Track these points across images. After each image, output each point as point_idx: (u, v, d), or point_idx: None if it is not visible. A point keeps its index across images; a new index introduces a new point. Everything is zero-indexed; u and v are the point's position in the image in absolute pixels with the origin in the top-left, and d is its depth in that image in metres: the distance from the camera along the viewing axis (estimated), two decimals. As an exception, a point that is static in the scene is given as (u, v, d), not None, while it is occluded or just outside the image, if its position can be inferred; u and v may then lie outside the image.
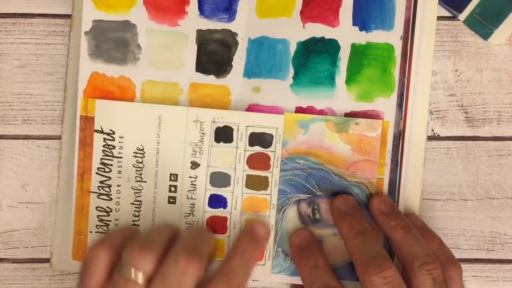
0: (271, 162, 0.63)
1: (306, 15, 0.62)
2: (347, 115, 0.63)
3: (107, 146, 0.62)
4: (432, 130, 0.65)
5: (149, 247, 0.54)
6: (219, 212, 0.63)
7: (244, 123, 0.62)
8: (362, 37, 0.63)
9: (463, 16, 0.64)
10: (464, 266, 0.64)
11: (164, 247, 0.55)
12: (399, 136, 0.63)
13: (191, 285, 0.53)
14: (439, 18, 0.63)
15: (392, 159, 0.63)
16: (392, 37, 0.63)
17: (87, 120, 0.62)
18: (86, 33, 0.62)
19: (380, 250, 0.58)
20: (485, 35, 0.64)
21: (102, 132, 0.62)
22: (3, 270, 0.65)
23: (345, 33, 0.62)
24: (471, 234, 0.65)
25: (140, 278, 0.52)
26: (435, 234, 0.62)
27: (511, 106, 0.65)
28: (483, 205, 0.65)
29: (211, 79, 0.63)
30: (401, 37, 0.63)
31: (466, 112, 0.65)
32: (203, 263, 0.54)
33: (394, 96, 0.63)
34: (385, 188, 0.63)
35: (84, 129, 0.62)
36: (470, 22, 0.64)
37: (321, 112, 0.62)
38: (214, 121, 0.62)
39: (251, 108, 0.63)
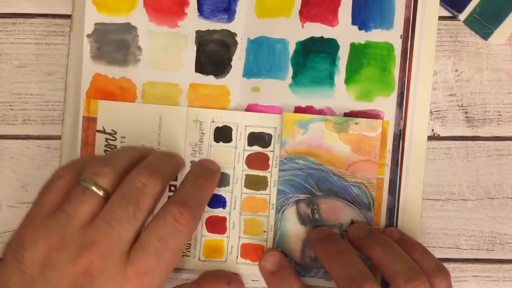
0: (269, 162, 0.63)
1: (305, 14, 0.62)
2: (346, 114, 0.63)
3: (108, 146, 0.62)
4: (432, 130, 0.65)
5: (110, 164, 0.53)
6: (218, 212, 0.63)
7: (243, 123, 0.62)
8: (362, 36, 0.63)
9: (463, 16, 0.64)
10: (464, 266, 0.65)
11: (127, 166, 0.54)
12: (399, 136, 0.63)
13: (149, 204, 0.52)
14: (439, 18, 0.63)
15: (392, 159, 0.63)
16: (392, 36, 0.63)
17: (90, 121, 0.62)
18: (88, 35, 0.63)
19: (360, 267, 0.56)
20: (485, 35, 0.64)
21: (104, 132, 0.62)
22: (3, 270, 0.65)
23: (344, 32, 0.62)
24: (471, 234, 0.65)
25: (98, 192, 0.51)
26: (416, 242, 0.61)
27: (511, 106, 0.65)
28: (483, 205, 0.65)
29: (210, 79, 0.63)
30: (401, 36, 0.63)
31: (466, 112, 0.65)
32: (163, 184, 0.53)
33: (394, 96, 0.63)
34: (385, 188, 0.63)
35: (86, 130, 0.63)
36: (470, 22, 0.64)
37: (320, 112, 0.63)
38: (213, 121, 0.62)
39: (251, 108, 0.63)
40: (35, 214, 0.52)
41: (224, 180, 0.63)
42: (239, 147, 0.63)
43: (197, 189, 0.57)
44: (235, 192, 0.63)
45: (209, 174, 0.60)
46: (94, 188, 0.51)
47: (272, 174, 0.63)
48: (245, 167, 0.63)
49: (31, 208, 0.53)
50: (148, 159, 0.55)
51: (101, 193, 0.51)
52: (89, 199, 0.51)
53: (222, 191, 0.63)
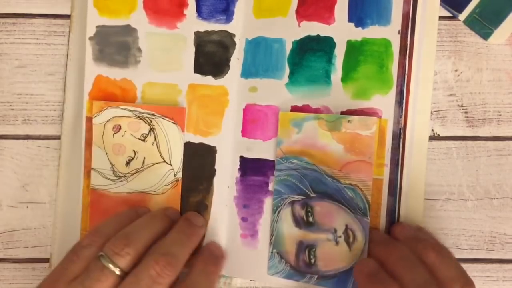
0: None
1: (302, 13, 0.62)
2: (343, 113, 0.62)
3: (109, 146, 0.63)
4: (432, 130, 0.65)
5: (131, 243, 0.55)
6: None
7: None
8: (358, 34, 0.62)
9: (463, 16, 0.64)
10: (464, 266, 0.64)
11: (147, 244, 0.57)
12: (399, 135, 0.62)
13: None
14: (439, 18, 0.63)
15: (392, 159, 0.62)
16: (389, 32, 0.62)
17: (92, 121, 0.63)
18: (90, 38, 0.63)
19: (427, 276, 0.55)
20: (485, 35, 0.64)
21: (105, 132, 0.63)
22: (3, 270, 0.65)
23: (341, 30, 0.62)
24: (471, 234, 0.65)
25: (115, 272, 0.53)
26: (433, 244, 0.59)
27: (511, 106, 0.65)
28: (483, 205, 0.65)
29: (209, 79, 0.63)
30: (399, 31, 0.61)
31: (466, 112, 0.64)
32: (178, 271, 0.56)
33: (392, 93, 0.62)
34: (385, 189, 0.62)
35: (89, 130, 0.63)
36: (470, 22, 0.64)
37: (316, 111, 0.62)
38: None
39: (249, 107, 0.63)
40: (58, 276, 0.54)
41: None
42: None
43: (205, 276, 0.60)
44: None
45: (216, 260, 0.63)
46: (111, 267, 0.53)
47: None
48: None
49: (56, 268, 0.55)
50: (167, 240, 0.58)
51: (118, 272, 0.54)
52: (106, 278, 0.53)
53: None
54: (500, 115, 0.65)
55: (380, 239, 0.61)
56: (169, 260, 0.55)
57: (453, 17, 0.64)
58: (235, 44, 0.63)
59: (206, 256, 0.62)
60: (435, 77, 0.64)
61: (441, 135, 0.65)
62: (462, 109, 0.64)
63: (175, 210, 0.63)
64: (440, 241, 0.60)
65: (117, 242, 0.55)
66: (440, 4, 0.63)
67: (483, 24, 0.64)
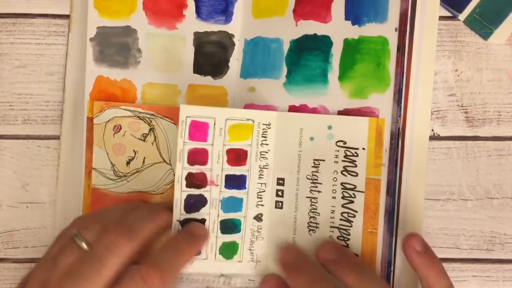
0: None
1: (299, 12, 0.62)
2: (340, 112, 0.61)
3: (109, 146, 0.63)
4: (432, 130, 0.65)
5: (100, 220, 0.56)
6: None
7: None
8: (355, 32, 0.61)
9: (463, 16, 0.64)
10: (464, 266, 0.65)
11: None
12: (397, 135, 0.61)
13: (115, 261, 0.53)
14: (439, 18, 0.63)
15: (390, 159, 0.61)
16: (386, 29, 0.61)
17: (93, 122, 0.63)
18: (91, 39, 0.63)
19: None
20: (485, 35, 0.64)
21: (106, 133, 0.63)
22: (3, 270, 0.65)
23: (338, 28, 0.62)
24: (471, 234, 0.65)
25: (81, 244, 0.54)
26: (352, 264, 0.58)
27: (511, 106, 0.65)
28: (483, 205, 0.65)
29: (208, 80, 0.63)
30: (396, 28, 0.61)
31: (466, 112, 0.64)
32: (134, 244, 0.55)
33: (390, 92, 0.61)
34: (383, 189, 0.61)
35: (90, 130, 0.63)
36: (470, 22, 0.64)
37: (314, 111, 0.62)
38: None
39: (247, 108, 0.63)
40: (46, 254, 0.56)
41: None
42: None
43: (174, 252, 0.57)
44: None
45: (192, 239, 0.60)
46: (77, 240, 0.54)
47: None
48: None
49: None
50: (130, 217, 0.57)
51: (84, 246, 0.54)
52: (72, 250, 0.54)
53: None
54: (500, 115, 0.65)
55: (292, 260, 0.60)
56: (125, 229, 0.54)
57: (453, 17, 0.64)
58: (234, 44, 0.63)
59: (181, 234, 0.60)
60: (435, 77, 0.64)
61: (441, 135, 0.65)
62: (462, 109, 0.64)
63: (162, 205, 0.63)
64: (362, 263, 0.59)
65: (87, 219, 0.57)
66: (440, 4, 0.63)
67: (483, 24, 0.64)
